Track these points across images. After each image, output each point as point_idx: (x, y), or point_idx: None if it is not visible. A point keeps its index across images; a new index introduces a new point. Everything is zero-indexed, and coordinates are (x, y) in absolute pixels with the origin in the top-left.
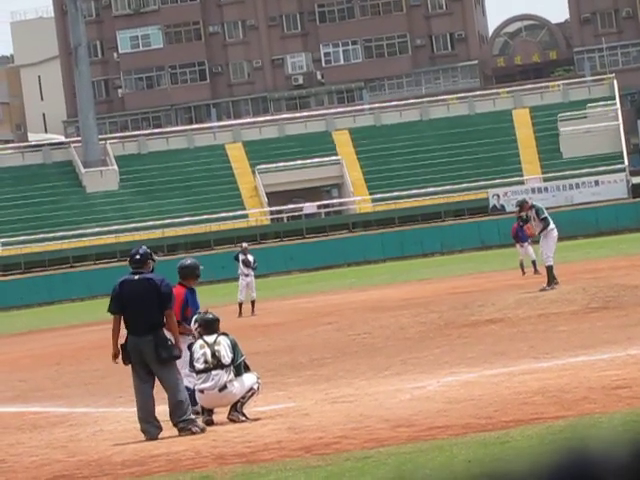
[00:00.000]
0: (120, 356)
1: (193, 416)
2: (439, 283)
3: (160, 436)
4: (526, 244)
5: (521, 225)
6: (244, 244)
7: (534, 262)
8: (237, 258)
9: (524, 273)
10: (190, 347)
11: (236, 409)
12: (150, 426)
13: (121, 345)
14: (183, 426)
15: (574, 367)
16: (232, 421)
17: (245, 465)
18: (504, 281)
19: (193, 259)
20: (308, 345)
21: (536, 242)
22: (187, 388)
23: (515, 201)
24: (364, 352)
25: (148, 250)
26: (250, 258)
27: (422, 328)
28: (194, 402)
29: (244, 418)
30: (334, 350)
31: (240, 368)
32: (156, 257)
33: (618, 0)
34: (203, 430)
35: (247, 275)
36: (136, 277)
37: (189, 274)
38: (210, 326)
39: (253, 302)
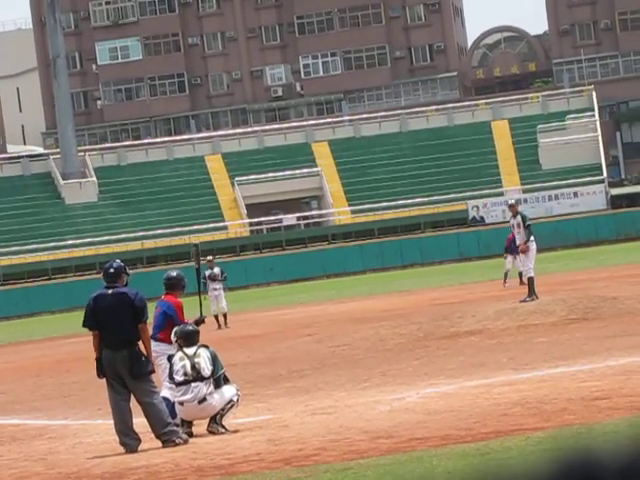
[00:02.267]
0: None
1: (174, 427)
2: (419, 294)
3: (140, 448)
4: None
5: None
6: (209, 257)
7: (520, 273)
8: (204, 276)
9: (506, 283)
10: (170, 359)
11: (215, 421)
12: (129, 439)
13: (96, 358)
14: (166, 438)
15: (553, 378)
16: (211, 433)
17: (224, 477)
18: (483, 292)
19: (178, 271)
20: (287, 357)
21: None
22: (166, 399)
23: (505, 204)
24: (344, 364)
25: (122, 264)
26: (216, 271)
27: (402, 340)
28: (174, 414)
29: (223, 430)
30: (313, 362)
31: (220, 380)
32: (130, 271)
33: (597, 12)
34: (186, 441)
35: (215, 289)
36: (110, 291)
37: (176, 285)
38: (190, 338)
39: (225, 315)
